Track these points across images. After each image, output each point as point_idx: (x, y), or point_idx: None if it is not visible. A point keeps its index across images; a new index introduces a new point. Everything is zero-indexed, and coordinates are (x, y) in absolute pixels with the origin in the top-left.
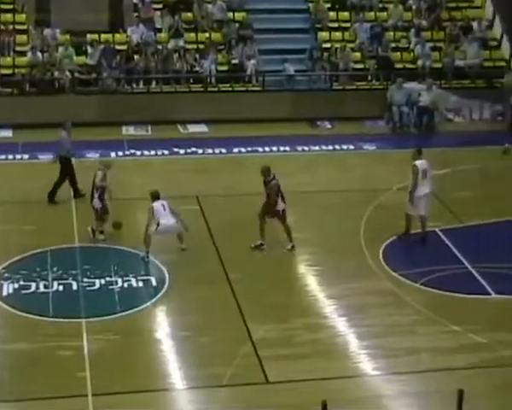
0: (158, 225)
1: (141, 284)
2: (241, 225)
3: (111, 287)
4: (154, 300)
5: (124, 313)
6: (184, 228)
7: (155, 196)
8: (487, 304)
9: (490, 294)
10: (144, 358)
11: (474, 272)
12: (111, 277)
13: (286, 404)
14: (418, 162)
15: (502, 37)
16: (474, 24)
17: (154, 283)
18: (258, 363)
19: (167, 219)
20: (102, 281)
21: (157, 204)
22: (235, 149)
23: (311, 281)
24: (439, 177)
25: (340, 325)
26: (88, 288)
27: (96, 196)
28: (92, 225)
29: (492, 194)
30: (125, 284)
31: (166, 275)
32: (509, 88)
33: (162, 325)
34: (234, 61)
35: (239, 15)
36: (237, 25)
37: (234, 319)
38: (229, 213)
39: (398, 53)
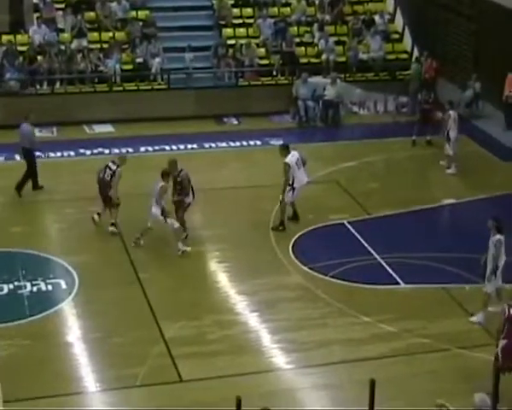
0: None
1: (50, 287)
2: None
3: (20, 292)
4: (63, 303)
5: (33, 318)
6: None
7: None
8: (396, 294)
9: (399, 284)
10: (56, 362)
11: (382, 262)
12: (19, 281)
13: (200, 402)
14: (288, 159)
15: (403, 29)
16: (376, 17)
17: (63, 286)
18: (172, 362)
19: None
20: (11, 286)
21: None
22: (142, 149)
23: (222, 277)
24: (345, 169)
25: (253, 320)
26: None
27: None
28: (98, 212)
29: (398, 185)
30: (34, 288)
31: (76, 277)
32: (414, 80)
33: (73, 328)
34: (138, 60)
35: (142, 14)
36: (141, 23)
37: (146, 319)
38: (138, 212)
39: (303, 48)
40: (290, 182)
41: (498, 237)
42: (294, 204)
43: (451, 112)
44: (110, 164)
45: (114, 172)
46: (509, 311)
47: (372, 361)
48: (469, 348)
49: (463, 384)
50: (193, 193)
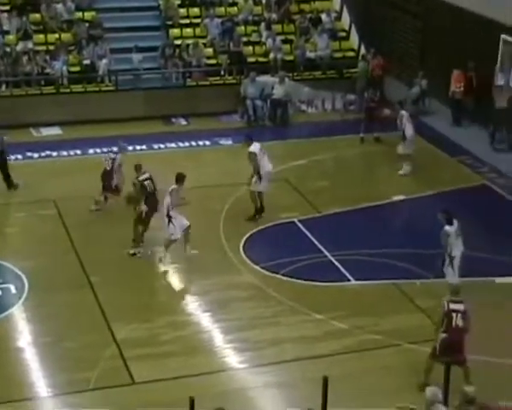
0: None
1: None
2: (100, 226)
3: None
4: (13, 308)
5: None
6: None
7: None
8: (347, 291)
9: (350, 280)
10: (7, 367)
11: (333, 260)
12: None
13: (153, 403)
14: (252, 148)
15: (350, 27)
16: (323, 16)
17: (13, 290)
18: (124, 364)
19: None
20: None
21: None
22: (91, 151)
23: (174, 278)
24: (295, 168)
25: (205, 320)
26: None
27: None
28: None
29: (348, 182)
30: None
31: (26, 282)
32: (361, 78)
33: (23, 333)
34: (85, 62)
35: (88, 15)
36: (87, 24)
37: (97, 323)
38: (88, 216)
39: (250, 47)
40: (258, 170)
41: (447, 228)
42: (262, 196)
43: (403, 111)
44: (110, 154)
45: (114, 159)
46: (448, 306)
47: (325, 358)
48: (420, 343)
49: (415, 379)
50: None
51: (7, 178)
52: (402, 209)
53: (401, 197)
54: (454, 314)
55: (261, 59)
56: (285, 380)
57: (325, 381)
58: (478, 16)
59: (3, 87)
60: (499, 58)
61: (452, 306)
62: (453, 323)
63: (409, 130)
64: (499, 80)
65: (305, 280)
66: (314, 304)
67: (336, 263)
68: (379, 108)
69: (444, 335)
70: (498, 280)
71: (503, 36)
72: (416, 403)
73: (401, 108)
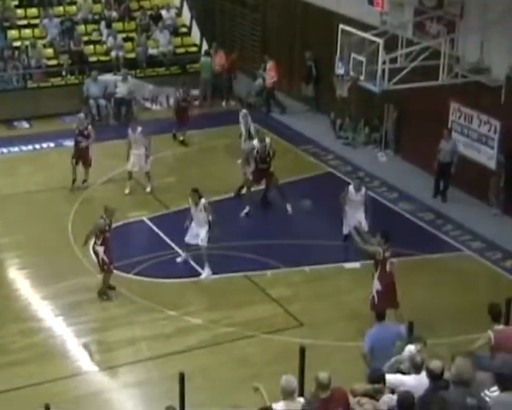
0: None
1: None
2: None
3: None
4: None
5: None
6: None
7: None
8: (200, 286)
9: (201, 275)
10: None
11: (182, 254)
12: None
13: None
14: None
15: (191, 23)
16: (164, 12)
17: None
18: None
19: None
20: None
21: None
22: None
23: (23, 284)
24: None
25: (57, 325)
26: None
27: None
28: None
29: (194, 177)
30: None
31: None
32: (205, 72)
33: None
34: None
35: None
36: None
37: None
38: None
39: (91, 46)
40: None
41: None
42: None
43: (245, 110)
44: (79, 133)
45: (89, 133)
46: (383, 254)
47: (180, 354)
48: (274, 333)
49: (271, 367)
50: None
51: None
52: (249, 201)
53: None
54: (388, 261)
55: (103, 58)
56: (143, 379)
57: (182, 377)
58: (317, 7)
59: None
60: (338, 48)
61: (386, 254)
62: (387, 268)
63: (252, 127)
64: (339, 69)
65: (157, 278)
66: (167, 301)
67: (188, 259)
68: (190, 107)
69: (378, 284)
70: (347, 266)
71: (341, 26)
72: (271, 391)
73: (242, 106)
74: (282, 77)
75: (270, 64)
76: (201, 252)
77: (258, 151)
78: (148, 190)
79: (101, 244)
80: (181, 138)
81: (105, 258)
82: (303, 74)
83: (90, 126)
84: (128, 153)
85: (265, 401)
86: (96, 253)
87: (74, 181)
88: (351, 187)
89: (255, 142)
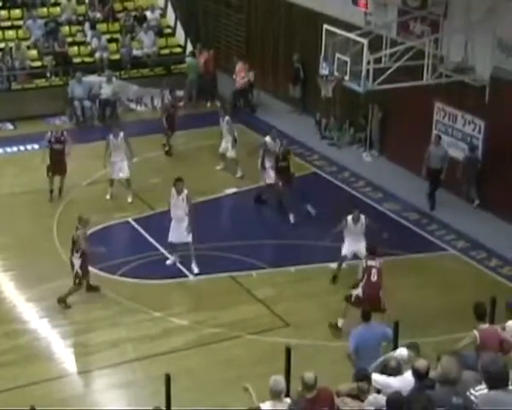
0: None
1: None
2: None
3: None
4: None
5: None
6: None
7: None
8: (186, 287)
9: (187, 276)
10: None
11: (170, 256)
12: None
13: None
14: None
15: (176, 24)
16: (148, 13)
17: None
18: None
19: None
20: None
21: None
22: None
23: (8, 286)
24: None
25: (42, 327)
26: None
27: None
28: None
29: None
30: None
31: None
32: (191, 73)
33: None
34: None
35: None
36: None
37: None
38: None
39: (75, 47)
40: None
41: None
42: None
43: (227, 117)
44: (55, 140)
45: (65, 139)
46: (366, 262)
47: (166, 356)
48: (260, 333)
49: (257, 368)
50: None
51: None
52: (235, 202)
53: (233, 190)
54: (372, 270)
55: (87, 59)
56: (128, 380)
57: (167, 378)
58: (301, 8)
59: None
60: (323, 48)
61: (370, 262)
62: (371, 277)
63: (235, 134)
64: (323, 70)
65: (142, 279)
66: (152, 302)
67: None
68: (176, 110)
69: (363, 287)
70: (333, 266)
71: (325, 26)
72: (257, 392)
73: (225, 113)
74: (266, 77)
75: (239, 65)
76: (188, 248)
77: (270, 149)
78: (130, 200)
79: (80, 257)
80: (166, 149)
81: (79, 271)
82: (288, 75)
83: (65, 132)
84: (105, 159)
85: (254, 401)
86: (72, 264)
87: (52, 191)
88: (349, 218)
89: (267, 138)
